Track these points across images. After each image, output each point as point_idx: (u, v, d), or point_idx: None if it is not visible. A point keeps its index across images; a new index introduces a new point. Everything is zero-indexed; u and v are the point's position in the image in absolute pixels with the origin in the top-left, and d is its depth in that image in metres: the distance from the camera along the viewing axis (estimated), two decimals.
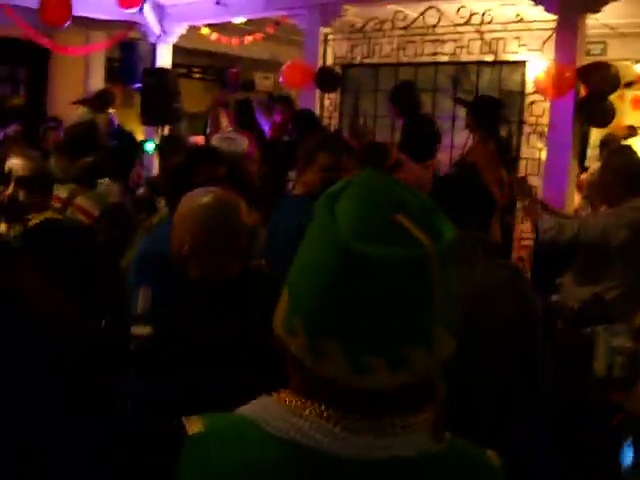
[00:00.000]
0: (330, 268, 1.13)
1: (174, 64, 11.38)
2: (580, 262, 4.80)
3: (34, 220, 3.69)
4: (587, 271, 4.71)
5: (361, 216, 1.15)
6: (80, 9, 9.59)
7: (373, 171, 1.23)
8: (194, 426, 1.22)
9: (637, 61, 12.21)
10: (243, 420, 1.20)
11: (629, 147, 5.74)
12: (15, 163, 3.77)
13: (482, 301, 2.51)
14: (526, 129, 7.83)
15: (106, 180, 5.38)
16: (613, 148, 6.04)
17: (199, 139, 9.93)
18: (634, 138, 12.24)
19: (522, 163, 7.85)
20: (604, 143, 9.91)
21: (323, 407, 1.16)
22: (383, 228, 1.13)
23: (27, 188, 3.70)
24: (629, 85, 11.17)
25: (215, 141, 6.83)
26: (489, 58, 8.08)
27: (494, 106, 7.06)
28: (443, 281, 1.12)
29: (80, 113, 8.95)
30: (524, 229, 7.52)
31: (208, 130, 9.75)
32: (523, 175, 6.92)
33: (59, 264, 3.34)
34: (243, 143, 6.81)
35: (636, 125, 12.13)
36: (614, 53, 11.55)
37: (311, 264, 1.16)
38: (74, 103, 9.93)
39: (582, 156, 9.89)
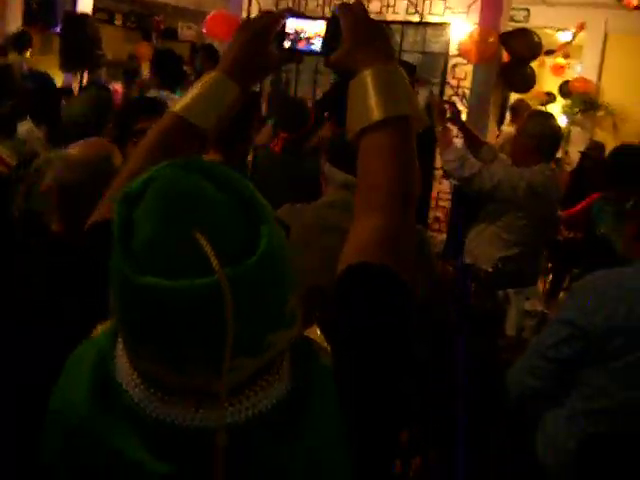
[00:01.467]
0: (117, 288, 1.07)
1: (95, 9, 11.13)
2: (489, 214, 4.82)
3: None
4: (496, 225, 4.76)
5: (156, 231, 1.04)
6: None
7: (182, 164, 1.11)
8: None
9: (559, 29, 12.41)
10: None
11: (546, 113, 5.83)
12: None
13: None
14: (448, 91, 7.88)
15: (28, 124, 5.21)
16: (531, 112, 6.10)
17: (118, 87, 9.78)
18: (552, 104, 12.49)
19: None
20: (514, 108, 10.09)
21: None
22: (176, 249, 1.03)
23: None
24: (550, 53, 11.32)
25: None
26: (414, 19, 8.08)
27: (407, 71, 7.07)
28: (244, 306, 1.03)
29: None
30: (441, 189, 7.60)
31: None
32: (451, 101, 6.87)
33: None
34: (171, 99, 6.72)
35: (554, 92, 12.33)
36: (537, 20, 11.70)
37: (111, 277, 1.09)
38: None
39: (501, 120, 10.04)
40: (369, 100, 1.59)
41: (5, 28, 11.99)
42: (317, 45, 1.74)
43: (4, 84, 5.14)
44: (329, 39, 1.70)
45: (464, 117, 7.46)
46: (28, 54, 11.87)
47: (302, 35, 1.74)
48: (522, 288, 4.02)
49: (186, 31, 14.82)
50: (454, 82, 7.81)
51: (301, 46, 1.75)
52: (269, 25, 1.71)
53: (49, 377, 1.23)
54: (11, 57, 8.85)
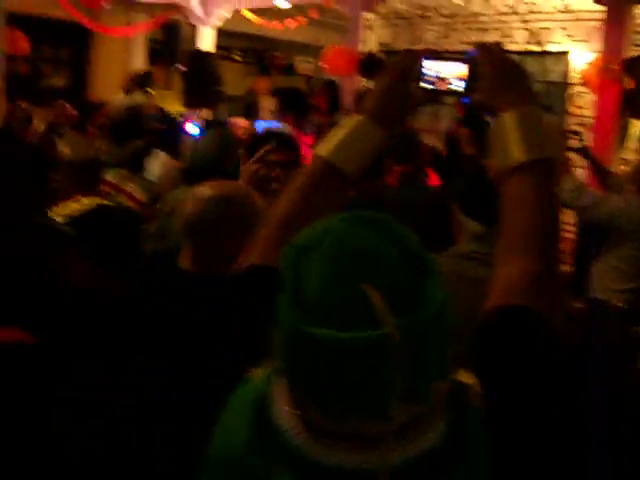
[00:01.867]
0: (285, 337, 1.10)
1: (214, 46, 11.40)
2: (610, 245, 4.72)
3: (83, 205, 3.71)
4: (614, 256, 4.66)
5: (327, 283, 1.08)
6: None
7: (352, 218, 1.15)
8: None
9: None
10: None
11: None
12: (65, 147, 3.80)
13: None
14: (569, 120, 7.77)
15: (162, 156, 5.39)
16: None
17: (240, 122, 9.95)
18: None
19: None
20: None
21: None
22: (347, 301, 1.06)
23: (77, 173, 3.74)
24: None
25: (259, 129, 6.85)
26: (534, 48, 8.01)
27: None
28: (412, 357, 1.05)
29: (120, 97, 8.98)
30: (564, 219, 7.47)
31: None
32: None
33: (109, 251, 3.38)
34: (286, 129, 6.82)
35: None
36: None
37: (279, 326, 1.12)
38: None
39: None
40: (513, 142, 1.60)
41: (129, 67, 12.41)
42: (456, 85, 1.76)
43: (135, 124, 5.31)
44: (469, 80, 1.73)
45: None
46: (150, 91, 12.28)
47: (439, 75, 1.77)
48: None
49: (303, 65, 15.02)
50: (576, 111, 7.71)
51: (439, 87, 1.78)
52: (409, 67, 1.74)
53: (209, 417, 1.27)
54: (136, 96, 9.12)
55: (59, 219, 3.63)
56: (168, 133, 7.90)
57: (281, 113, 8.19)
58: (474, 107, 1.75)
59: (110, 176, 4.75)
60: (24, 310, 2.40)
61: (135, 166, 5.04)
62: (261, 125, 6.85)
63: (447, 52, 8.45)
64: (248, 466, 1.15)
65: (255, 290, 1.47)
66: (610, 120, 7.18)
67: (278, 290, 1.23)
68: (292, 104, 8.29)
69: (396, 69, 1.74)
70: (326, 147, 1.70)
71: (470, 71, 1.73)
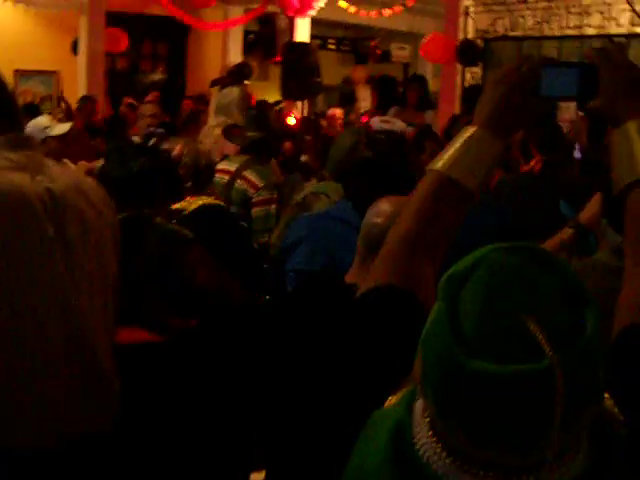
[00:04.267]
0: (440, 368, 1.09)
1: (310, 36, 11.41)
2: None
3: (192, 204, 3.76)
4: None
5: (485, 315, 1.06)
6: None
7: (507, 247, 1.14)
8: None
9: None
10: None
11: None
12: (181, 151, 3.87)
13: None
14: None
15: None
16: None
17: (337, 112, 9.96)
18: None
19: None
20: None
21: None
22: (505, 332, 1.05)
23: (194, 177, 3.82)
24: None
25: (375, 124, 6.83)
26: None
27: None
28: (571, 388, 1.03)
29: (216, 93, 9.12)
30: None
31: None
32: None
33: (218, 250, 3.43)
34: (399, 124, 6.79)
35: None
36: None
37: (431, 355, 1.11)
38: (212, 85, 10.14)
39: None
40: (636, 154, 1.54)
41: (227, 60, 12.52)
42: (572, 90, 1.70)
43: (263, 117, 5.57)
44: (586, 85, 1.65)
45: None
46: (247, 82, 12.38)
47: (557, 81, 1.70)
48: None
49: (398, 52, 14.90)
50: None
51: (555, 93, 1.72)
52: (526, 77, 1.65)
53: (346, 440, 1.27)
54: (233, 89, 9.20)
55: None
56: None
57: (380, 105, 8.20)
58: (593, 115, 1.68)
59: (229, 164, 5.14)
60: (151, 311, 2.45)
61: (258, 155, 5.23)
62: (377, 121, 6.81)
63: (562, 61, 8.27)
64: None
65: (385, 312, 1.46)
66: None
67: (408, 312, 1.22)
68: (389, 95, 8.31)
69: (511, 79, 1.65)
70: (441, 161, 1.64)
71: (587, 75, 1.64)
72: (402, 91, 8.72)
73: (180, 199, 3.66)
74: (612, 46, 1.84)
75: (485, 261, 1.12)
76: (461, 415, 1.08)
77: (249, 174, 5.03)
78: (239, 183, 5.02)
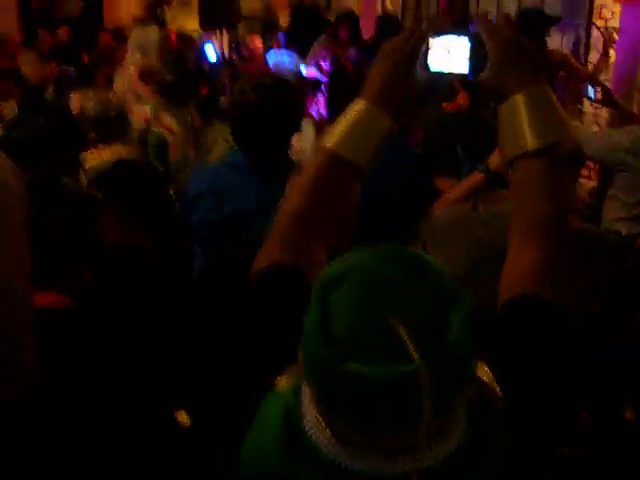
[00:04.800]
0: (315, 369, 1.14)
1: None
2: (614, 180, 4.75)
3: (105, 158, 3.71)
4: (621, 190, 4.68)
5: (355, 320, 1.10)
6: None
7: (378, 252, 1.18)
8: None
9: None
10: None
11: None
12: (86, 103, 3.81)
13: None
14: (594, 32, 7.60)
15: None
16: None
17: (257, 41, 9.82)
18: None
19: (590, 67, 7.64)
20: None
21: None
22: (375, 336, 1.09)
23: (103, 128, 3.76)
24: None
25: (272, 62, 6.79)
26: None
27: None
28: (438, 384, 1.09)
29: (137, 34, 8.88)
30: None
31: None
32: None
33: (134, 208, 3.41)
34: (298, 62, 6.75)
35: None
36: None
37: (308, 355, 1.16)
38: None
39: None
40: (523, 127, 1.57)
41: None
42: (460, 65, 1.69)
43: (175, 62, 5.55)
44: (475, 58, 1.65)
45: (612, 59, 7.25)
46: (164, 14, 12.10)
47: (447, 55, 1.68)
48: None
49: None
50: (600, 23, 7.53)
51: (445, 69, 1.70)
52: (414, 49, 1.66)
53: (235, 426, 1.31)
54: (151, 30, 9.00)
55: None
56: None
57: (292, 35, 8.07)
58: (480, 88, 1.66)
59: (143, 106, 5.27)
60: (64, 273, 2.44)
61: (169, 98, 5.24)
62: (271, 57, 6.73)
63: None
64: (284, 476, 1.20)
65: (272, 295, 1.48)
66: (636, 33, 7.02)
67: (295, 293, 1.25)
68: (306, 26, 8.18)
69: (399, 52, 1.66)
70: (331, 137, 1.65)
71: (474, 48, 1.65)
72: (333, 27, 8.61)
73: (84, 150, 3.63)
74: (500, 18, 1.82)
75: (357, 266, 1.16)
76: (340, 408, 1.14)
77: (165, 118, 5.04)
78: (155, 127, 5.02)
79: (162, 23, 11.01)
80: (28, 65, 7.11)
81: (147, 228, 3.12)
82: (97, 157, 3.70)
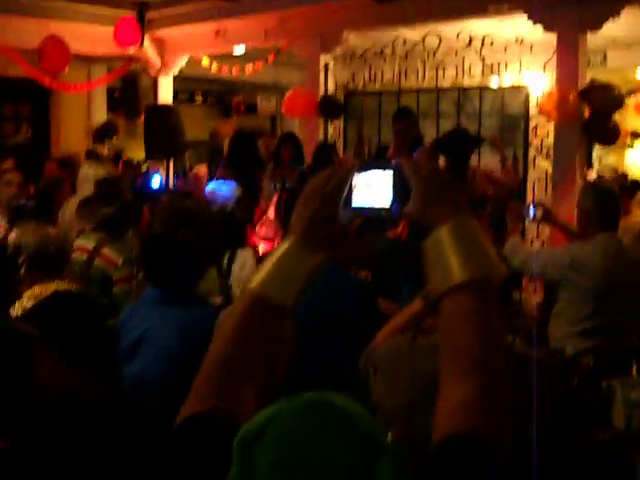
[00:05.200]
0: None
1: (175, 90, 11.38)
2: (560, 297, 4.82)
3: (44, 292, 3.67)
4: (568, 307, 4.74)
5: (277, 474, 1.11)
6: (80, 46, 9.65)
7: (299, 403, 1.18)
8: None
9: (637, 67, 12.19)
10: None
11: (598, 184, 5.85)
12: (25, 238, 3.79)
13: None
14: (531, 151, 7.81)
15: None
16: (584, 185, 5.99)
17: (202, 170, 9.95)
18: (638, 141, 12.26)
19: (529, 185, 7.83)
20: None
21: None
22: None
23: (42, 264, 3.74)
24: (631, 93, 11.10)
25: (208, 192, 6.89)
26: (491, 82, 8.07)
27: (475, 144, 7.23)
28: None
29: (86, 169, 8.94)
30: None
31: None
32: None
33: (72, 338, 3.36)
34: (234, 190, 6.84)
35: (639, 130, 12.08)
36: (615, 62, 11.54)
37: None
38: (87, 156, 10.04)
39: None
40: (449, 260, 1.53)
41: (91, 119, 12.39)
42: (383, 200, 1.68)
43: (115, 192, 5.52)
44: (397, 192, 1.62)
45: (550, 174, 7.43)
46: (114, 140, 12.26)
47: (370, 187, 1.67)
48: (627, 377, 3.92)
49: (265, 105, 15.03)
50: (536, 142, 7.75)
51: (367, 204, 1.69)
52: (338, 188, 1.63)
53: None
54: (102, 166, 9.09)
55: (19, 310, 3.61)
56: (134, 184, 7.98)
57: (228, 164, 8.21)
58: (405, 219, 1.65)
59: (87, 241, 5.09)
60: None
61: (112, 231, 5.20)
62: (210, 186, 6.83)
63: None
64: None
65: (199, 446, 1.43)
66: (571, 149, 7.22)
67: (224, 444, 1.21)
68: (243, 156, 8.31)
69: (324, 190, 1.63)
70: (256, 279, 1.61)
71: (396, 182, 1.62)
72: (276, 149, 8.77)
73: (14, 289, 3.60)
74: (421, 153, 1.87)
75: (275, 420, 1.14)
76: None
77: (107, 251, 5.01)
78: (98, 261, 4.98)
79: (118, 156, 11.16)
80: None
81: (87, 368, 3.06)
82: (34, 293, 3.64)
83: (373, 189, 1.65)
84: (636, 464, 2.91)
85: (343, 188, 1.65)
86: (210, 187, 7.13)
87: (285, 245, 1.63)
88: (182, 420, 1.50)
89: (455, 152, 7.09)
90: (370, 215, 1.72)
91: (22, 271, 3.80)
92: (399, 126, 7.46)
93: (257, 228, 6.38)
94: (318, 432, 1.12)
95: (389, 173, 1.65)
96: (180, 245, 3.24)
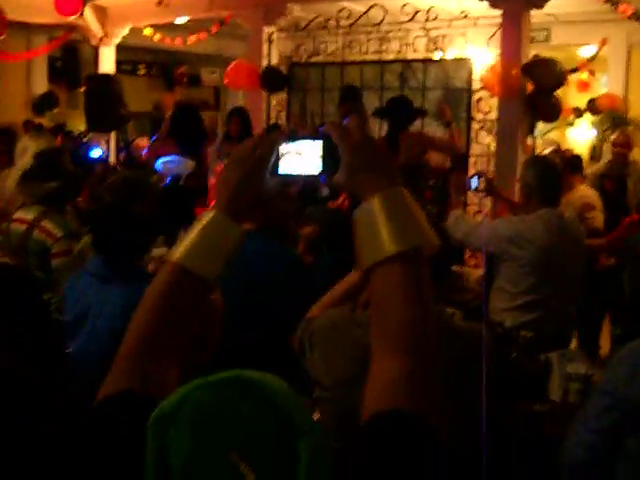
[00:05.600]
0: None
1: (118, 61, 11.20)
2: (500, 270, 4.85)
3: None
4: (507, 280, 4.78)
5: (191, 455, 1.05)
6: (19, 14, 9.44)
7: (215, 383, 1.12)
8: None
9: (581, 45, 12.30)
10: None
11: (541, 158, 5.90)
12: None
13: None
14: (474, 125, 7.81)
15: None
16: (526, 160, 5.99)
17: (143, 142, 9.83)
18: (581, 119, 12.39)
19: (472, 160, 7.84)
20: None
21: None
22: (213, 471, 1.04)
23: None
24: (574, 71, 11.19)
25: (160, 166, 6.77)
26: (435, 56, 8.05)
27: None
28: None
29: (25, 141, 8.76)
30: None
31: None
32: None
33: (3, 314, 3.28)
34: (186, 165, 6.74)
35: (581, 106, 12.20)
36: (558, 39, 11.62)
37: None
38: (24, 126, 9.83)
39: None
40: (380, 231, 1.50)
41: (31, 89, 12.16)
42: (312, 167, 1.65)
43: (55, 164, 5.31)
44: (329, 160, 1.59)
45: (493, 149, 7.45)
46: (56, 111, 12.04)
47: (298, 158, 1.65)
48: (564, 350, 3.96)
49: (209, 76, 14.89)
50: (479, 116, 7.75)
51: (296, 171, 1.67)
52: (264, 156, 1.61)
53: None
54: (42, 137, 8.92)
55: None
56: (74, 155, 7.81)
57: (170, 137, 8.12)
58: (336, 188, 1.62)
59: (27, 213, 5.02)
60: None
61: (52, 205, 5.08)
62: (159, 163, 6.73)
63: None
64: None
65: (115, 427, 1.38)
66: (514, 124, 7.25)
67: (141, 419, 1.17)
68: (184, 127, 8.22)
69: (250, 159, 1.60)
70: (178, 250, 1.57)
71: (325, 150, 1.59)
72: (226, 123, 8.67)
73: None
74: (352, 120, 1.82)
75: (190, 399, 1.09)
76: None
77: (47, 224, 4.93)
78: (37, 234, 4.91)
79: (58, 128, 10.96)
80: None
81: (19, 346, 2.98)
82: None
83: (302, 157, 1.62)
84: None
85: (270, 155, 1.61)
86: (162, 160, 7.02)
87: (209, 215, 1.59)
88: (101, 399, 1.45)
89: (395, 118, 7.11)
90: (297, 182, 1.69)
91: None
92: (345, 109, 7.47)
93: (210, 204, 6.32)
94: (236, 410, 1.07)
95: (318, 143, 1.62)
96: (129, 216, 3.21)
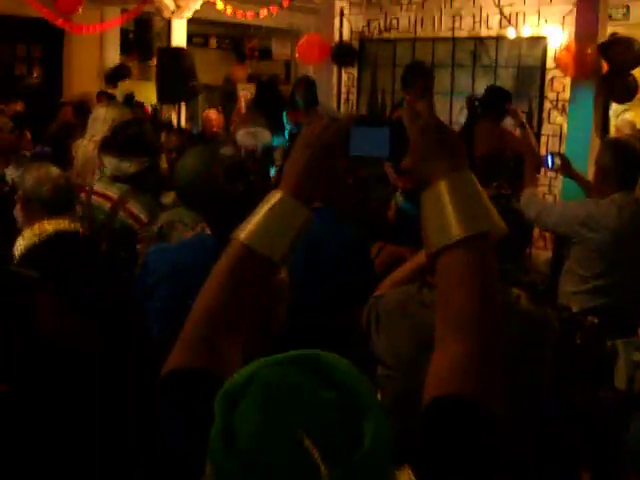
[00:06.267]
0: None
1: (189, 34, 11.24)
2: (571, 253, 4.76)
3: (42, 232, 3.61)
4: (578, 263, 4.68)
5: (259, 432, 1.05)
6: None
7: (283, 360, 1.12)
8: None
9: None
10: None
11: (620, 140, 5.69)
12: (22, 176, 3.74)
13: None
14: (547, 105, 7.69)
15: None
16: (604, 141, 5.83)
17: (212, 114, 9.87)
18: None
19: (543, 139, 7.73)
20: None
21: None
22: (280, 449, 1.04)
23: (37, 203, 3.67)
24: None
25: (239, 137, 6.67)
26: (509, 33, 7.93)
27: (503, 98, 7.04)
28: None
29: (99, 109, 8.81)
30: None
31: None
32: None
33: (71, 280, 3.34)
34: (265, 137, 6.63)
35: None
36: (638, 16, 11.34)
37: (213, 468, 1.09)
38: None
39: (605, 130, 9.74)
40: (447, 216, 1.50)
41: (104, 61, 12.30)
42: (383, 149, 1.65)
43: (141, 138, 4.82)
44: (397, 144, 1.60)
45: (565, 130, 7.33)
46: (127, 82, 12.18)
47: (368, 141, 1.65)
48: (632, 338, 3.88)
49: (280, 50, 14.89)
50: (552, 95, 7.63)
51: (366, 152, 1.67)
52: (334, 139, 1.60)
53: None
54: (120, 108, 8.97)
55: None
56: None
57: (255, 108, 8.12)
58: (404, 172, 1.62)
59: (105, 187, 4.62)
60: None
61: (140, 184, 4.68)
62: (241, 134, 6.63)
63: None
64: None
65: (179, 402, 1.40)
66: (587, 104, 7.11)
67: (207, 395, 1.18)
68: (267, 100, 8.22)
69: (319, 142, 1.59)
70: (245, 230, 1.57)
71: (396, 134, 1.60)
72: (291, 93, 8.64)
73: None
74: (421, 105, 1.79)
75: (258, 376, 1.10)
76: None
77: (132, 206, 4.56)
78: (122, 215, 4.54)
79: (129, 98, 11.06)
80: None
81: (87, 314, 3.02)
82: (34, 231, 3.58)
83: (370, 140, 1.62)
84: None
85: (339, 140, 1.61)
86: (241, 132, 6.86)
87: (276, 196, 1.59)
88: (166, 373, 1.47)
89: (494, 109, 6.95)
90: (369, 162, 1.70)
91: (17, 208, 3.74)
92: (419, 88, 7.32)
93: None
94: (304, 388, 1.08)
95: (385, 129, 1.62)
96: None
